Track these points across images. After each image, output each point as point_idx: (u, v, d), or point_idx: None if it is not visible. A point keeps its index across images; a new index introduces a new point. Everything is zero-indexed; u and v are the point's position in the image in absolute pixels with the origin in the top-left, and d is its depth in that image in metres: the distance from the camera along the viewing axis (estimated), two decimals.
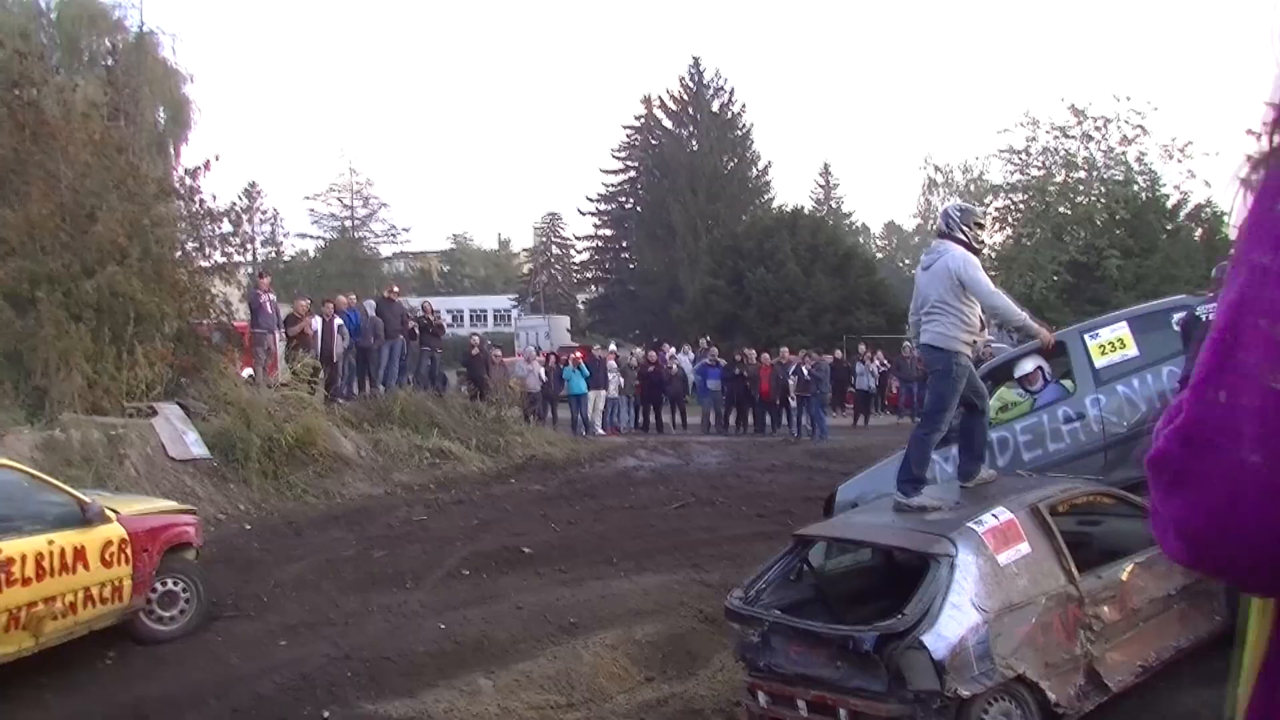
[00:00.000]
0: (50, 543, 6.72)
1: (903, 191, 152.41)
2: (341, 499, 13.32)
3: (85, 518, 7.04)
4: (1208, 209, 27.35)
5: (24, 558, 6.51)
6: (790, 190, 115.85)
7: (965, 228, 6.77)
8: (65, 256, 13.54)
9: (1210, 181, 47.37)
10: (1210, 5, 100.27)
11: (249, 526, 11.60)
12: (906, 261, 76.94)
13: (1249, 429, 0.87)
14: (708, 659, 7.73)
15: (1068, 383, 8.44)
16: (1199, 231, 27.31)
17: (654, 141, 50.36)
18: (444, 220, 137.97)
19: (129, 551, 7.27)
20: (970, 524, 5.50)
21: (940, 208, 7.73)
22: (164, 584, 7.72)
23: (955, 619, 5.06)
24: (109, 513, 7.28)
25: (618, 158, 51.37)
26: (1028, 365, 8.51)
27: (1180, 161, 26.67)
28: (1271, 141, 0.93)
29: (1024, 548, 5.49)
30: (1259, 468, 0.86)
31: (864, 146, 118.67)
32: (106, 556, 7.10)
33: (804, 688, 5.47)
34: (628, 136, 51.24)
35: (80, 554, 6.90)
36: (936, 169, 57.40)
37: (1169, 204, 27.16)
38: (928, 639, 4.98)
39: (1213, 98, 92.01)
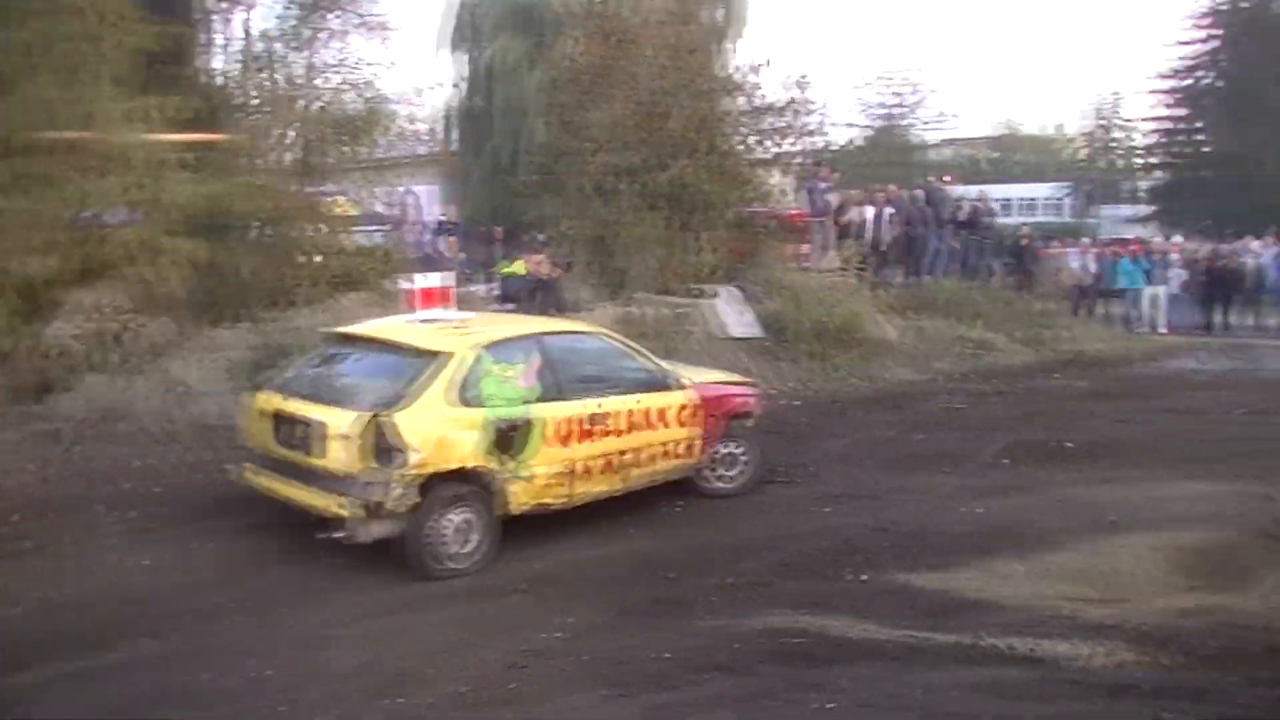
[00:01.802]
0: (638, 402, 7.87)
1: None
2: (883, 382, 13.84)
3: (665, 383, 8.13)
4: None
5: (617, 413, 7.70)
6: None
7: None
8: (643, 151, 15.07)
9: None
10: None
11: (797, 403, 12.47)
12: None
13: None
14: (1262, 576, 7.24)
15: None
16: None
17: (1243, 3, 44.45)
18: (993, 106, 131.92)
19: (700, 415, 8.27)
20: None
21: None
22: (726, 447, 8.65)
23: None
24: (684, 380, 8.32)
25: (1199, 26, 46.05)
26: None
27: None
28: None
29: None
30: None
31: None
32: (682, 418, 8.14)
33: None
34: (1213, 2, 45.69)
35: (661, 414, 8.00)
36: None
37: None
38: None
39: None
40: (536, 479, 7.27)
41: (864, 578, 6.79)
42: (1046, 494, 8.68)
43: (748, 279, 15.20)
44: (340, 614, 6.23)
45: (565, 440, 7.42)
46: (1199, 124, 46.61)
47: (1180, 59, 46.41)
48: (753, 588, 6.63)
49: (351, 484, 6.62)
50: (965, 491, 8.72)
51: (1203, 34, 45.80)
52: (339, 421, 6.72)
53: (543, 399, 7.39)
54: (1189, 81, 46.60)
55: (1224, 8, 45.00)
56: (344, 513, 6.60)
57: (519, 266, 14.18)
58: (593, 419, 7.58)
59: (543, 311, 12.21)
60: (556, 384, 7.52)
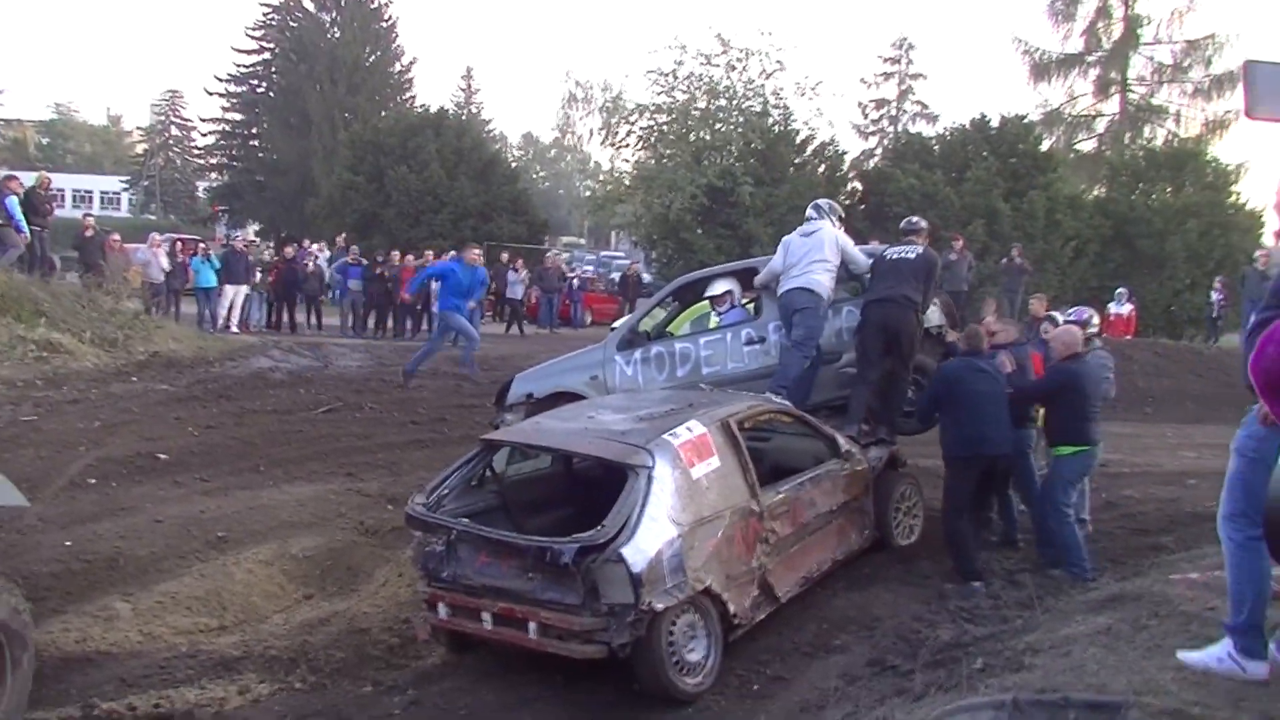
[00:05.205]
0: None
1: (541, 104, 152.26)
2: None
3: None
4: (831, 147, 29.39)
5: None
6: (431, 91, 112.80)
7: (834, 218, 8.29)
8: None
9: (834, 121, 50.93)
10: None
11: None
12: (542, 173, 77.13)
13: None
14: (370, 574, 7.38)
15: (751, 308, 8.74)
16: (822, 167, 29.21)
17: (293, 24, 46.96)
18: (45, 86, 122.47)
19: None
20: (666, 436, 5.49)
21: (815, 202, 8.72)
22: None
23: (652, 532, 5.06)
24: None
25: (252, 37, 47.42)
26: (720, 287, 8.70)
27: (811, 99, 28.43)
28: None
29: (714, 461, 5.58)
30: None
31: (505, 55, 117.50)
32: None
33: (491, 599, 5.30)
34: (264, 15, 47.42)
35: None
36: (577, 84, 56.99)
37: (799, 138, 28.81)
38: (626, 552, 4.94)
39: (840, 42, 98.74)
40: None
41: None
42: (144, 514, 7.88)
43: None
44: None
45: None
46: (255, 130, 48.22)
47: (238, 66, 47.55)
48: None
49: None
50: (49, 522, 7.52)
51: (256, 45, 47.45)
52: None
53: None
54: (245, 88, 47.97)
55: (274, 23, 47.09)
56: None
57: None
58: None
59: None
60: None
